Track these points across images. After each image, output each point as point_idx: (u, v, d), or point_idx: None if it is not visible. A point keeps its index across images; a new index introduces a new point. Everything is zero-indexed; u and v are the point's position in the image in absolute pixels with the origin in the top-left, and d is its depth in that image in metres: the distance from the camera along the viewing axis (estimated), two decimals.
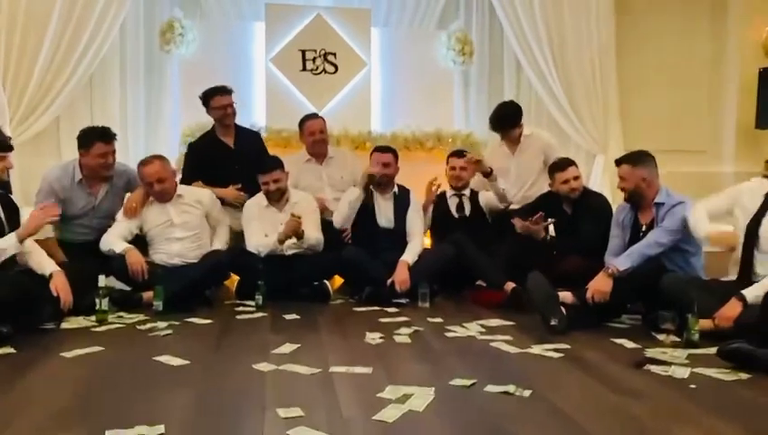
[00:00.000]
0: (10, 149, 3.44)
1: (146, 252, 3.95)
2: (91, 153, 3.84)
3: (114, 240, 3.84)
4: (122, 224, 3.93)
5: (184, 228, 3.97)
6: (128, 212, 3.93)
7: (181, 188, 4.10)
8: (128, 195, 4.05)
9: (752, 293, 2.99)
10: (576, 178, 4.10)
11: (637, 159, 3.61)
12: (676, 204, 3.49)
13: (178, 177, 4.29)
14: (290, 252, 4.07)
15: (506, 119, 4.60)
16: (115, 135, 3.94)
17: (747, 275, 3.20)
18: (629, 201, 3.66)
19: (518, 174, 4.66)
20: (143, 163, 3.96)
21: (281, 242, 4.00)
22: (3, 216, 3.37)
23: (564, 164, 4.15)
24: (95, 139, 3.84)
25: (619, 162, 3.69)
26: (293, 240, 4.01)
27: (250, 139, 4.69)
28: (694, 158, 6.56)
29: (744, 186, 3.41)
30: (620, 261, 3.40)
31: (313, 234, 4.09)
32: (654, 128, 6.56)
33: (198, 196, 4.10)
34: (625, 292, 3.36)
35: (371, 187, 4.27)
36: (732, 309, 3.00)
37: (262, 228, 4.09)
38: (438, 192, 4.58)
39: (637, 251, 3.42)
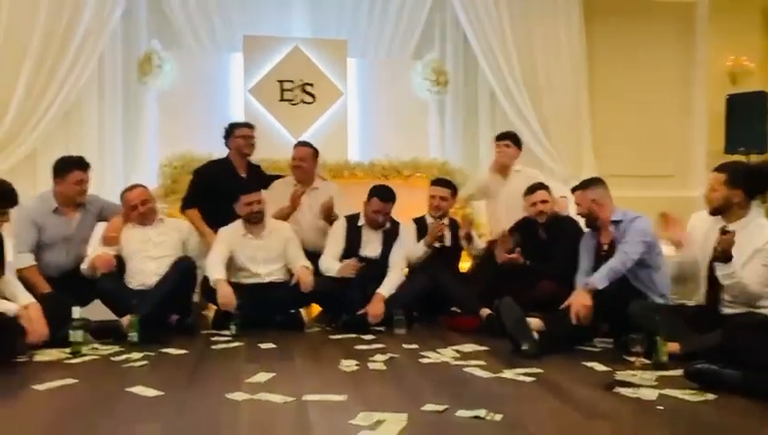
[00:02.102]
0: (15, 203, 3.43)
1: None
2: (67, 180, 3.95)
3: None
4: (102, 249, 4.00)
5: (161, 247, 4.05)
6: (107, 241, 4.02)
7: (163, 215, 4.27)
8: (102, 225, 4.13)
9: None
10: (544, 201, 4.19)
11: (586, 183, 3.77)
12: (633, 218, 3.57)
13: (159, 204, 4.45)
14: (266, 279, 4.10)
15: (512, 133, 4.96)
16: (89, 164, 4.06)
17: (714, 300, 3.25)
18: (587, 224, 3.77)
19: (507, 204, 4.78)
20: (126, 190, 4.14)
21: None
22: None
23: (534, 187, 4.26)
24: (73, 166, 3.98)
25: (573, 190, 3.85)
26: (269, 267, 4.10)
27: (258, 174, 4.76)
28: (663, 182, 6.72)
29: (694, 222, 3.59)
30: (597, 279, 3.42)
31: (300, 260, 4.13)
32: (625, 153, 6.74)
33: (178, 224, 4.26)
34: (598, 312, 3.37)
35: (365, 224, 4.33)
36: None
37: (226, 254, 4.09)
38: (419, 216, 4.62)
39: (611, 268, 3.44)
